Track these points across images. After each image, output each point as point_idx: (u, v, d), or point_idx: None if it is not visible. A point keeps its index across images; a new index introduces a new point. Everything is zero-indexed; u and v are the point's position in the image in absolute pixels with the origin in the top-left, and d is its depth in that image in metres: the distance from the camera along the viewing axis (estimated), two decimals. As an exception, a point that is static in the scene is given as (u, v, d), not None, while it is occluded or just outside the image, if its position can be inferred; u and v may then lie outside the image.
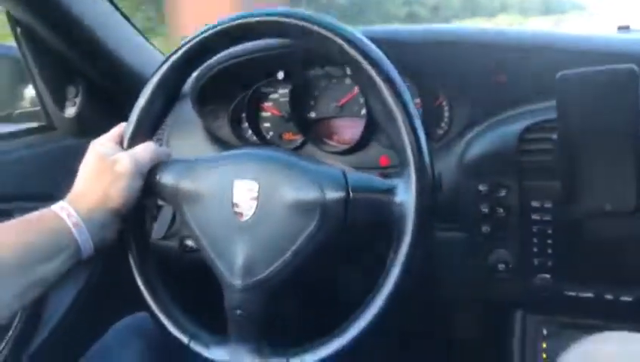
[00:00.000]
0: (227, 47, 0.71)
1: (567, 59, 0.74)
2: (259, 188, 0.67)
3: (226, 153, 0.86)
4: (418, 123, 0.61)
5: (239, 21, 0.66)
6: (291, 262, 0.65)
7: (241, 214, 0.67)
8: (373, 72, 0.62)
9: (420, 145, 0.61)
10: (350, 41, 0.63)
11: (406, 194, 0.61)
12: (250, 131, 1.02)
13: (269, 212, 0.66)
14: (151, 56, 1.14)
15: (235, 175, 0.68)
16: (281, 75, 0.92)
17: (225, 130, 1.04)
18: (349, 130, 0.97)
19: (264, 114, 1.02)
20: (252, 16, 0.66)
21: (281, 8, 0.65)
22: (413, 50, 0.82)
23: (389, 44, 0.80)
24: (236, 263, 0.67)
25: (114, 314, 0.93)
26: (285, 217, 0.65)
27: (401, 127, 0.61)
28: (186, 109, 1.05)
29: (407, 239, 0.60)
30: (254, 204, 0.66)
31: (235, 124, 1.03)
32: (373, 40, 0.76)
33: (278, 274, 0.65)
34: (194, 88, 0.99)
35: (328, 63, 0.93)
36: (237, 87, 1.00)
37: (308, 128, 0.99)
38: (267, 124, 1.02)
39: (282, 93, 0.99)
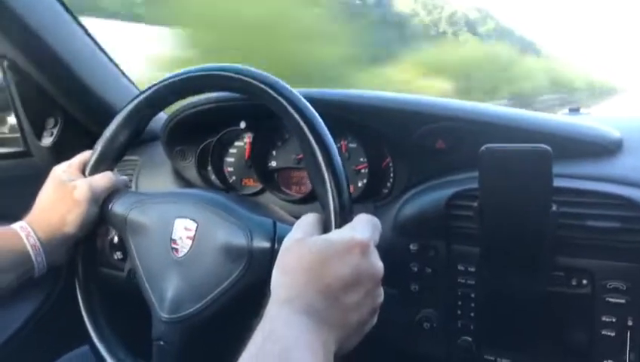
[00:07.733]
0: (180, 98, 0.77)
1: (497, 134, 0.78)
2: (197, 228, 0.70)
3: (173, 191, 0.90)
4: (345, 193, 0.62)
5: (183, 76, 0.72)
6: (216, 303, 0.67)
7: (177, 250, 0.71)
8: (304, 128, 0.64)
9: (344, 207, 0.61)
10: (287, 98, 0.65)
11: None
12: (214, 175, 1.06)
13: (202, 252, 0.69)
14: (127, 91, 1.20)
15: (178, 213, 0.72)
16: (243, 124, 0.96)
17: (191, 172, 1.09)
18: (307, 180, 1.00)
19: (228, 159, 1.07)
20: (196, 71, 0.71)
21: (222, 64, 0.70)
22: (360, 113, 0.86)
23: (338, 107, 0.86)
24: (166, 297, 0.70)
25: (58, 345, 0.96)
26: (215, 259, 0.68)
27: (328, 190, 0.62)
28: (157, 150, 1.11)
29: None
30: (190, 242, 0.70)
31: (201, 166, 1.07)
32: (325, 102, 0.81)
33: (202, 313, 0.68)
34: (164, 129, 1.04)
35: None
36: (205, 131, 1.05)
37: (268, 176, 1.02)
38: (230, 169, 1.07)
39: (246, 142, 1.04)
